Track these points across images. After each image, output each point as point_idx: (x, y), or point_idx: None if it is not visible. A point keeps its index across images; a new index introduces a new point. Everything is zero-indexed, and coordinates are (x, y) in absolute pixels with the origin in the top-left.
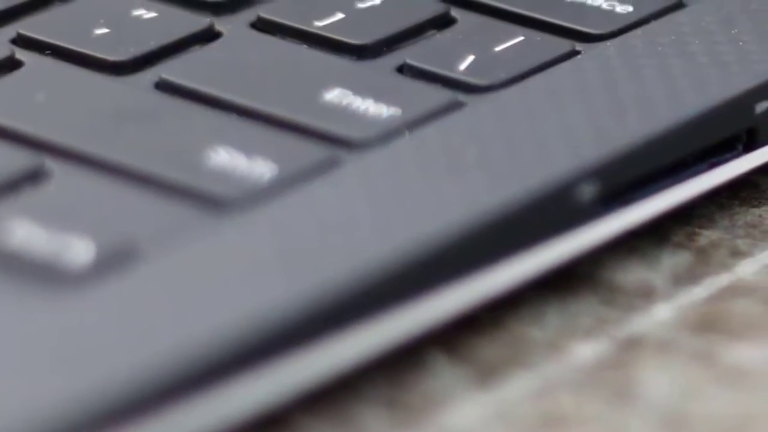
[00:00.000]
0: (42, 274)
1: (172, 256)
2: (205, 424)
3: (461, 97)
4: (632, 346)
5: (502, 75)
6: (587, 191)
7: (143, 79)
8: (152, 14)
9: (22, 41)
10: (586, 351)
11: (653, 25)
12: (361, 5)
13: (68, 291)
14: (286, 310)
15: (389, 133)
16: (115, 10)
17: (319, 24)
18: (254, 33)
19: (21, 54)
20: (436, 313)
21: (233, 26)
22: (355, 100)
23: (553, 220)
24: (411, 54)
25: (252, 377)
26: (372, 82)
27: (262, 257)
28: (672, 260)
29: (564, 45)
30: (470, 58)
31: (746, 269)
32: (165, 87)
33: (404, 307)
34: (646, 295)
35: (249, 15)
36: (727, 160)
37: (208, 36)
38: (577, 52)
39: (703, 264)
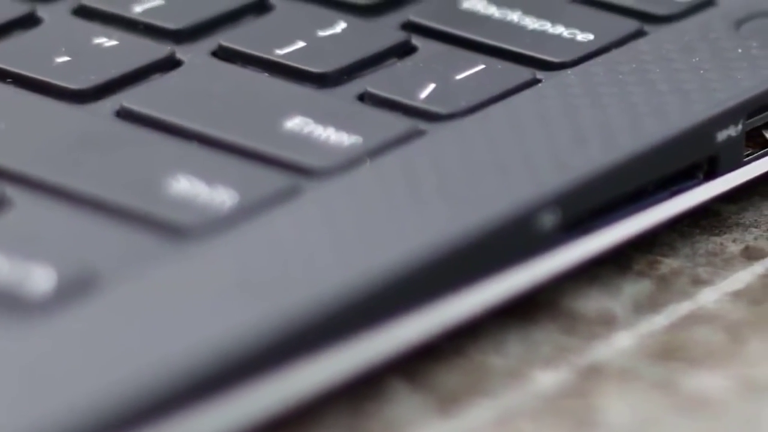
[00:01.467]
0: (3, 302)
1: (133, 284)
2: None
3: (422, 125)
4: (593, 374)
5: (463, 103)
6: (548, 219)
7: (104, 107)
8: (113, 42)
9: None
10: (547, 379)
11: (614, 53)
12: (321, 33)
13: (29, 319)
14: (247, 338)
15: (350, 162)
16: (76, 39)
17: (280, 52)
18: (215, 61)
19: None
20: (397, 341)
21: (194, 54)
22: (316, 129)
23: (514, 248)
24: (372, 82)
25: (213, 405)
26: (333, 111)
27: (223, 285)
28: (633, 288)
29: (525, 73)
30: (431, 87)
31: (707, 297)
32: (126, 115)
33: (365, 335)
34: (607, 323)
35: (210, 43)
36: (688, 189)
37: (169, 64)
38: (538, 81)
39: (664, 292)
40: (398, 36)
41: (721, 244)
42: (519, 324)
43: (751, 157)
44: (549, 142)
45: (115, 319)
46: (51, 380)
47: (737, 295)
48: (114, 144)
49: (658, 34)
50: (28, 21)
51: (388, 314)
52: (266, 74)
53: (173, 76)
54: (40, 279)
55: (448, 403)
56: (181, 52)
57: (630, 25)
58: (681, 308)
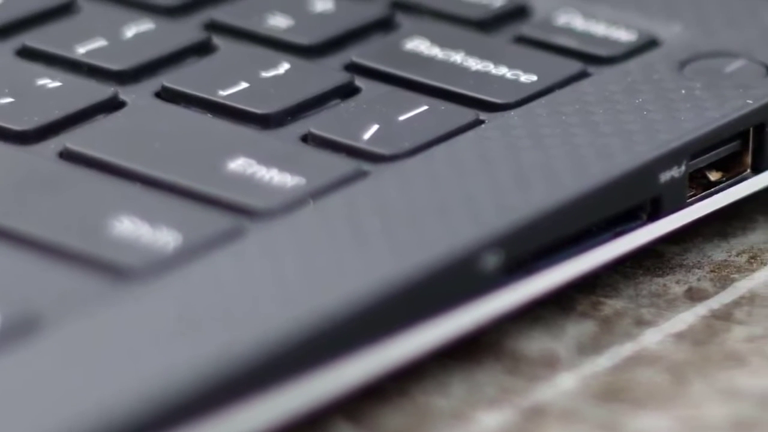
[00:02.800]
0: None
1: (76, 325)
2: None
3: (365, 166)
4: (536, 415)
5: (406, 144)
6: (491, 261)
7: (47, 148)
8: (57, 84)
9: None
10: (490, 420)
11: (557, 94)
12: (265, 75)
13: None
14: (189, 379)
15: (293, 203)
16: (19, 80)
17: (224, 93)
18: (158, 102)
19: None
20: (340, 382)
21: (137, 95)
22: (260, 170)
23: (457, 289)
24: (315, 123)
25: None
26: (276, 152)
27: (166, 326)
28: (576, 329)
29: (468, 114)
30: (374, 128)
31: (650, 338)
32: (69, 156)
33: (309, 376)
34: (551, 365)
35: (153, 84)
36: (631, 230)
37: (113, 105)
38: (482, 122)
39: (607, 333)
40: (341, 77)
41: (665, 285)
42: (462, 365)
43: (694, 198)
44: (492, 184)
45: (58, 360)
46: None
47: (680, 336)
48: (57, 185)
49: (601, 76)
50: None
51: (331, 355)
52: (210, 115)
53: (117, 117)
54: None
55: None
56: (125, 93)
57: (573, 66)
58: (624, 349)
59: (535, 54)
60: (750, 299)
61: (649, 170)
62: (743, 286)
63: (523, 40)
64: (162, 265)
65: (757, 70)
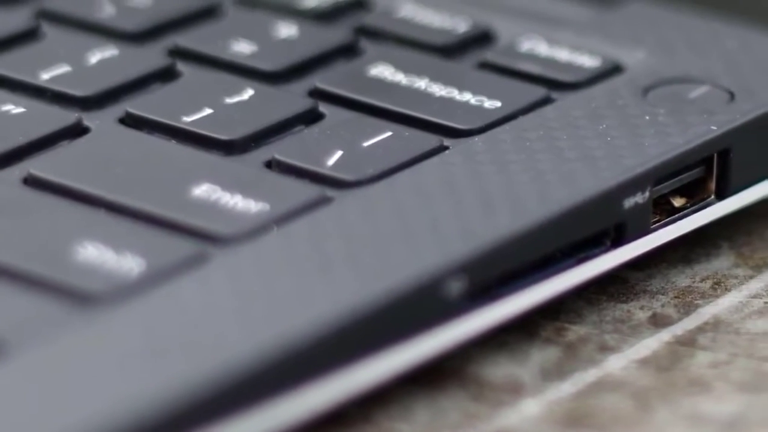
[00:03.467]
0: None
1: (40, 351)
2: None
3: (329, 192)
4: None
5: (371, 170)
6: (455, 286)
7: (11, 174)
8: (20, 110)
9: None
10: None
11: (521, 120)
12: (229, 101)
13: None
14: (153, 405)
15: (257, 229)
16: None
17: (188, 119)
18: (122, 128)
19: None
20: (304, 407)
21: (101, 121)
22: (224, 196)
23: (421, 315)
24: (279, 149)
25: None
26: (240, 178)
27: (129, 352)
28: (540, 355)
29: (432, 140)
30: (338, 154)
31: (614, 364)
32: (33, 182)
33: (272, 402)
34: (515, 390)
35: (117, 110)
36: (595, 256)
37: (77, 131)
38: (446, 148)
39: (571, 359)
40: (305, 103)
41: (629, 311)
42: (426, 391)
43: (658, 224)
44: (456, 209)
45: (22, 385)
46: None
47: (644, 362)
48: (21, 211)
49: (565, 101)
50: None
51: (295, 381)
52: (173, 141)
53: (81, 143)
54: None
55: None
56: (89, 119)
57: (537, 92)
58: (588, 375)
59: (500, 80)
60: (714, 325)
61: (613, 196)
62: (707, 312)
63: (487, 66)
64: (126, 291)
65: (720, 95)
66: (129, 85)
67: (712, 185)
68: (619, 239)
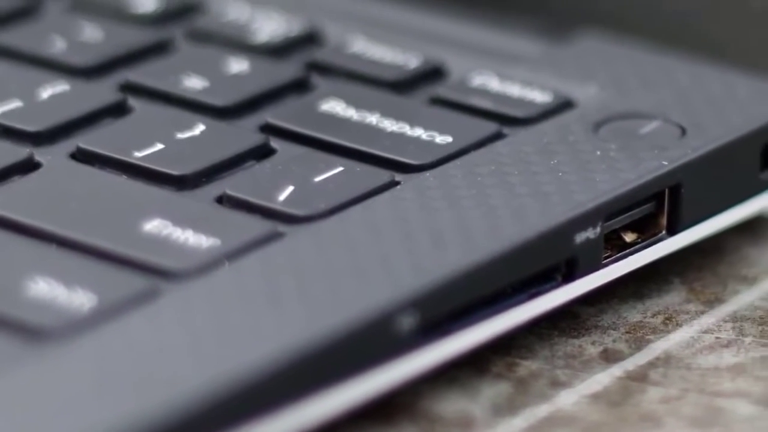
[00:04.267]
0: None
1: None
2: None
3: (281, 227)
4: None
5: (322, 205)
6: (406, 322)
7: None
8: None
9: None
10: None
11: (473, 155)
12: (180, 136)
13: None
14: None
15: (209, 264)
16: None
17: (139, 155)
18: (74, 163)
19: None
20: None
21: (53, 157)
22: (175, 231)
23: (372, 350)
24: (231, 184)
25: None
26: (192, 213)
27: (80, 388)
28: (491, 390)
29: (383, 175)
30: (290, 189)
31: (566, 400)
32: None
33: None
34: (466, 426)
35: (68, 146)
36: (546, 291)
37: (28, 166)
38: (397, 183)
39: (522, 394)
40: (257, 138)
41: (580, 346)
42: (378, 426)
43: (609, 259)
44: (407, 245)
45: None
46: None
47: (596, 397)
48: None
49: (516, 137)
50: None
51: (246, 416)
52: (125, 176)
53: (32, 178)
54: None
55: None
56: (40, 155)
57: (488, 127)
58: (539, 410)
59: (451, 115)
60: (665, 360)
61: (564, 231)
62: (658, 347)
63: (438, 102)
64: (77, 326)
65: (672, 131)
66: (80, 121)
67: (664, 221)
68: (570, 274)
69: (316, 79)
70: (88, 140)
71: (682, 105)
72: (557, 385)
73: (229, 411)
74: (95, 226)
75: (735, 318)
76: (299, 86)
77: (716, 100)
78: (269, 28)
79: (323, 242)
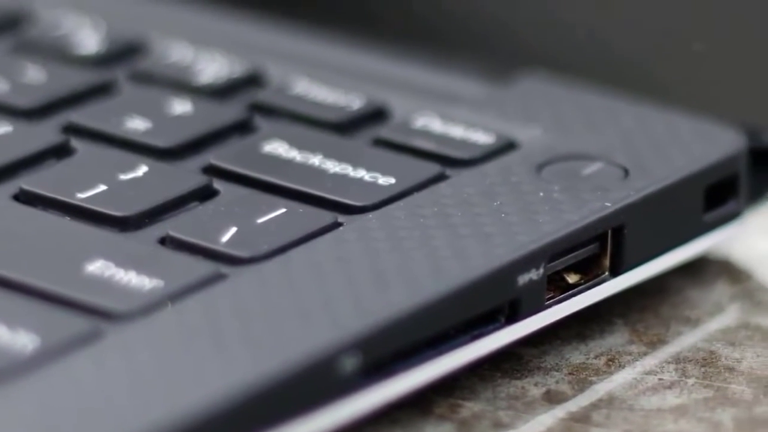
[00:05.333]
0: None
1: None
2: None
3: (224, 269)
4: None
5: (265, 247)
6: (349, 363)
7: None
8: None
9: None
10: None
11: (415, 196)
12: (123, 177)
13: None
14: None
15: (151, 305)
16: None
17: (82, 196)
18: (16, 205)
19: None
20: None
21: None
22: (118, 272)
23: (315, 392)
24: (173, 226)
25: None
26: (134, 254)
27: (23, 429)
28: None
29: (326, 217)
30: (232, 230)
31: None
32: None
33: None
34: None
35: (11, 187)
36: (489, 332)
37: None
38: (340, 224)
39: None
40: (200, 180)
41: (523, 387)
42: None
43: (552, 300)
44: (350, 286)
45: None
46: None
47: None
48: None
49: (459, 178)
50: None
51: None
52: (68, 218)
53: None
54: None
55: None
56: None
57: (431, 168)
58: None
59: (394, 156)
60: (608, 402)
61: (507, 273)
62: (601, 388)
63: (381, 143)
64: (19, 367)
65: (614, 172)
66: (23, 162)
67: (607, 262)
68: (513, 316)
69: (259, 121)
70: (30, 181)
71: (626, 146)
72: (500, 426)
73: None
74: (38, 267)
75: (678, 359)
76: (242, 127)
77: (659, 142)
78: (212, 69)
79: (266, 284)
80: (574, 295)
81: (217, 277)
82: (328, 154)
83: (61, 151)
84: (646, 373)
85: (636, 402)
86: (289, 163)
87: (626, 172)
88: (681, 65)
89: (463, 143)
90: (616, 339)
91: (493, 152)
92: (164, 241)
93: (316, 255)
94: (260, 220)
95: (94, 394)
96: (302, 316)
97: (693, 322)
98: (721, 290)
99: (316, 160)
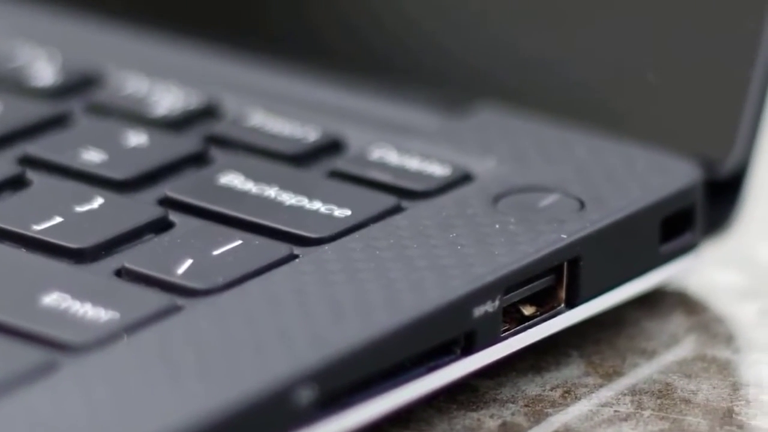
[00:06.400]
0: None
1: None
2: None
3: (179, 300)
4: None
5: (220, 279)
6: (305, 395)
7: None
8: None
9: None
10: None
11: (371, 228)
12: (79, 209)
13: None
14: None
15: (107, 337)
16: None
17: (38, 228)
18: None
19: None
20: None
21: None
22: (74, 304)
23: (271, 424)
24: (129, 258)
25: None
26: (90, 286)
27: None
28: None
29: (282, 249)
30: (188, 262)
31: None
32: None
33: None
34: None
35: None
36: (445, 364)
37: None
38: (296, 256)
39: None
40: (155, 212)
41: (479, 419)
42: None
43: (508, 332)
44: (306, 318)
45: None
46: None
47: None
48: None
49: (415, 210)
50: None
51: None
52: (23, 249)
53: None
54: None
55: None
56: None
57: (387, 200)
58: None
59: (350, 188)
60: None
61: (462, 305)
62: (557, 420)
63: (337, 175)
64: None
65: (570, 204)
66: None
67: (562, 294)
68: (469, 348)
69: (215, 153)
70: None
71: (581, 178)
72: None
73: None
74: None
75: (634, 391)
76: (198, 159)
77: (615, 174)
78: (168, 101)
79: (222, 315)
80: (530, 327)
81: (173, 309)
82: (284, 186)
83: (16, 183)
84: (602, 405)
85: None
86: (244, 195)
87: (582, 203)
88: (637, 97)
89: (418, 175)
90: (572, 371)
91: (449, 184)
92: (120, 272)
93: (272, 287)
94: (216, 252)
95: (49, 426)
96: (258, 348)
97: (649, 354)
98: (677, 322)
99: (271, 192)
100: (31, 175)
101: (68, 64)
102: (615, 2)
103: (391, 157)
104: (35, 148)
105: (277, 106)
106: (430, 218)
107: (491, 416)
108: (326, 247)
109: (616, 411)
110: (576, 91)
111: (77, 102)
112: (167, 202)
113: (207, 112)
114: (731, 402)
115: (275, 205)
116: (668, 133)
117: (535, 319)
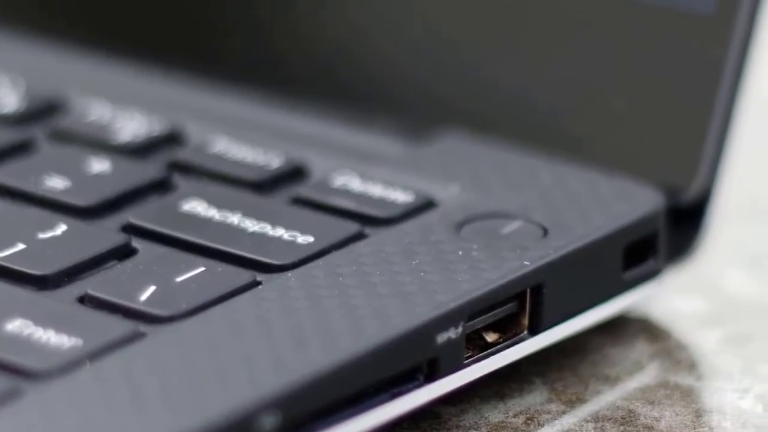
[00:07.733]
0: None
1: None
2: None
3: (143, 327)
4: None
5: (183, 305)
6: (268, 422)
7: None
8: None
9: None
10: None
11: (334, 255)
12: (42, 236)
13: None
14: None
15: (70, 364)
16: None
17: (0, 254)
18: None
19: None
20: None
21: None
22: (36, 331)
23: None
24: (92, 284)
25: None
26: (53, 313)
27: None
28: None
29: (245, 276)
30: (151, 289)
31: None
32: None
33: None
34: None
35: None
36: (408, 391)
37: None
38: (259, 283)
39: None
40: (118, 238)
41: None
42: None
43: (471, 359)
44: (269, 345)
45: None
46: None
47: None
48: None
49: (378, 237)
50: None
51: None
52: None
53: None
54: None
55: None
56: None
57: (350, 227)
58: None
59: (313, 215)
60: None
61: (425, 331)
62: None
63: (300, 202)
64: None
65: (534, 231)
66: None
67: (525, 321)
68: (432, 374)
69: (178, 179)
70: None
71: (545, 205)
72: None
73: None
74: None
75: (596, 418)
76: (161, 186)
77: (578, 200)
78: (131, 128)
79: (185, 342)
80: (493, 353)
81: (136, 336)
82: (247, 213)
83: None
84: None
85: None
86: (207, 221)
87: (545, 230)
88: (600, 124)
89: (382, 202)
90: (535, 398)
91: (412, 211)
92: (83, 299)
93: (235, 314)
94: (179, 279)
95: None
96: (221, 375)
97: (612, 381)
98: (640, 349)
99: (234, 218)
100: None
101: (31, 91)
102: (578, 29)
103: (354, 183)
104: None
105: (241, 133)
106: (393, 245)
107: None
108: (289, 273)
109: None
110: (539, 118)
111: (40, 128)
112: (130, 229)
113: (170, 139)
114: (694, 429)
115: (238, 231)
116: (632, 159)
117: (498, 346)
